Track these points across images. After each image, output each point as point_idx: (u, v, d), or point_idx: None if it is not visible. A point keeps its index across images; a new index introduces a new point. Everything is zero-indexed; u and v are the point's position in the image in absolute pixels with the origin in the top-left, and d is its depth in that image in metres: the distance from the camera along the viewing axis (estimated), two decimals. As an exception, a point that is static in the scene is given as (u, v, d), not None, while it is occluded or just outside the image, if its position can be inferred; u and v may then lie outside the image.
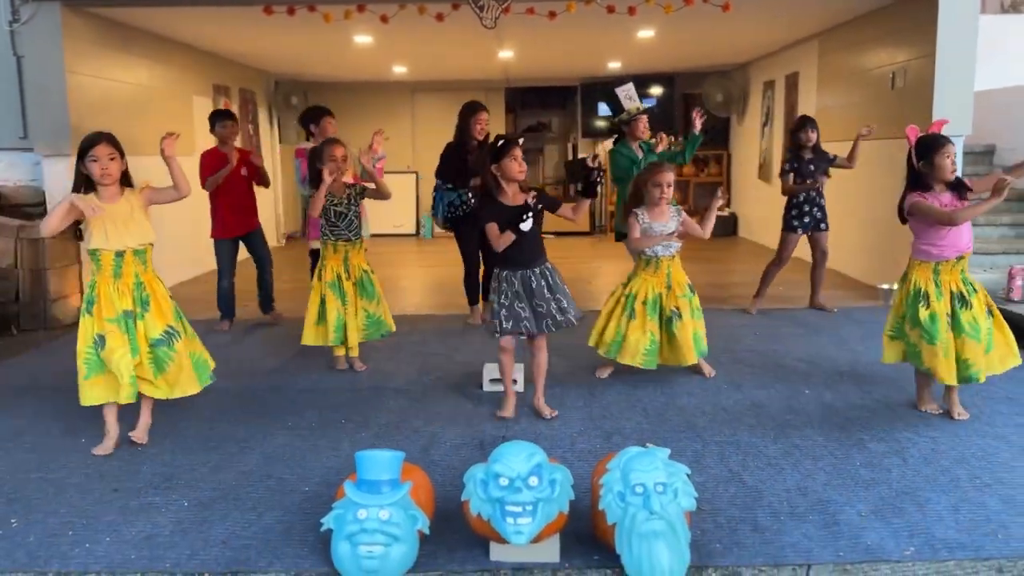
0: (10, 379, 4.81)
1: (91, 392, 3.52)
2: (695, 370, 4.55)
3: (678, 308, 4.30)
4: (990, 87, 8.27)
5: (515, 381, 4.29)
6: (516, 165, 3.69)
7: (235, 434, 3.76)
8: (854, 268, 7.55)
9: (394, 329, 4.87)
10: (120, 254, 3.46)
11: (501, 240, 3.71)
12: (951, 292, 3.76)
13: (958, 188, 3.77)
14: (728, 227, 11.22)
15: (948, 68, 6.14)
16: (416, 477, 2.72)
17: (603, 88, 12.07)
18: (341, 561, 2.49)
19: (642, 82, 11.91)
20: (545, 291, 3.80)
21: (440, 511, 2.83)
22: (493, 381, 4.35)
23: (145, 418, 3.68)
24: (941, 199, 3.76)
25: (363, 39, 8.12)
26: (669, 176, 4.22)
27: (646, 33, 8.11)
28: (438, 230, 11.67)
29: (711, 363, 4.65)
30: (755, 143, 10.48)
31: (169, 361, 3.53)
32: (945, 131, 6.44)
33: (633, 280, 4.40)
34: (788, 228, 6.07)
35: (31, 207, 6.38)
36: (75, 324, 6.10)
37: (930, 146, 3.76)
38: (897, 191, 6.40)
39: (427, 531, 2.57)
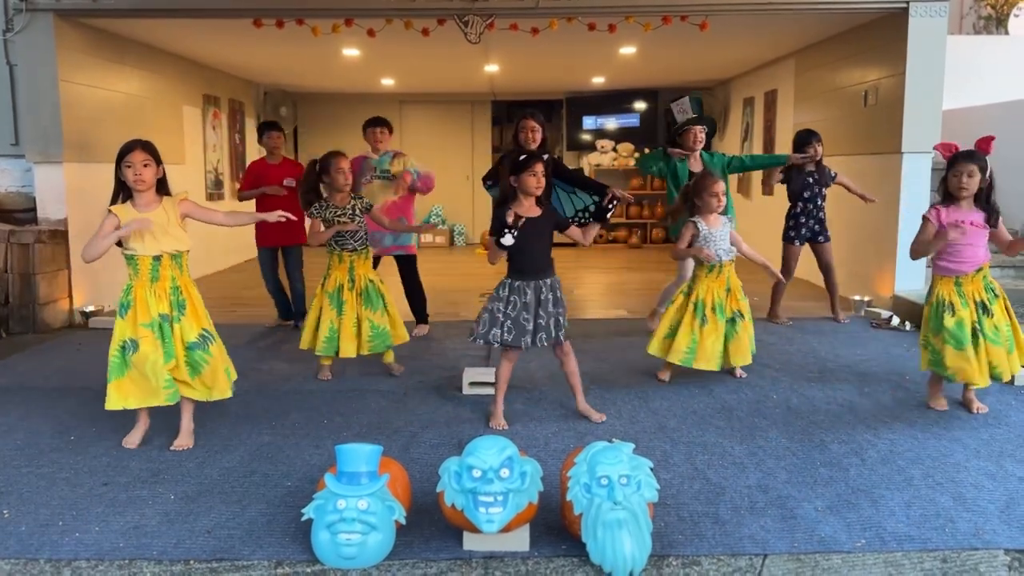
0: (-1, 380, 4.91)
1: (114, 395, 3.55)
2: (729, 372, 4.75)
3: (740, 310, 4.51)
4: (963, 105, 8.50)
5: (488, 383, 4.45)
6: (534, 180, 3.80)
7: (220, 432, 3.87)
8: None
9: (405, 340, 4.86)
10: (157, 258, 3.54)
11: (489, 251, 3.86)
12: (974, 301, 3.96)
13: (990, 212, 3.93)
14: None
15: (917, 87, 6.35)
16: (393, 470, 2.85)
17: (586, 101, 12.29)
18: (321, 549, 2.62)
19: (625, 97, 12.18)
20: (550, 304, 3.91)
21: (417, 505, 2.97)
22: (473, 384, 4.49)
23: (186, 423, 3.72)
24: (966, 216, 3.92)
25: (351, 52, 8.28)
26: (721, 185, 4.47)
27: (628, 50, 8.31)
28: (424, 239, 11.85)
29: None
30: (736, 158, 10.68)
31: (205, 364, 3.61)
32: (913, 148, 6.66)
33: (697, 287, 4.54)
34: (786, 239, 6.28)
35: (21, 213, 6.50)
36: (64, 328, 6.27)
37: (950, 161, 3.96)
38: (870, 207, 6.56)
39: (404, 521, 2.70)
